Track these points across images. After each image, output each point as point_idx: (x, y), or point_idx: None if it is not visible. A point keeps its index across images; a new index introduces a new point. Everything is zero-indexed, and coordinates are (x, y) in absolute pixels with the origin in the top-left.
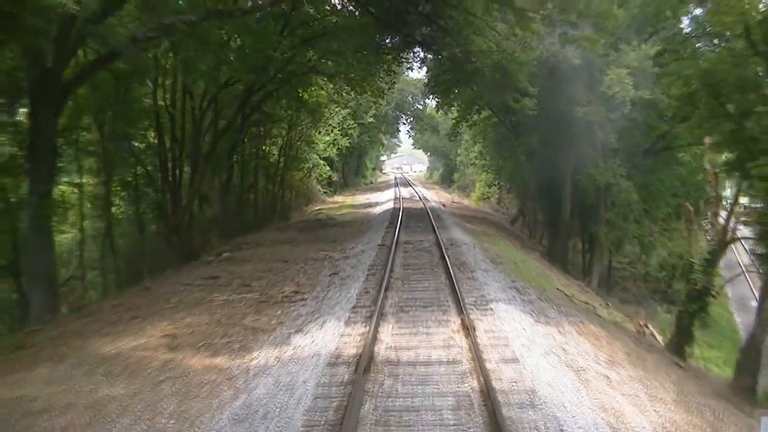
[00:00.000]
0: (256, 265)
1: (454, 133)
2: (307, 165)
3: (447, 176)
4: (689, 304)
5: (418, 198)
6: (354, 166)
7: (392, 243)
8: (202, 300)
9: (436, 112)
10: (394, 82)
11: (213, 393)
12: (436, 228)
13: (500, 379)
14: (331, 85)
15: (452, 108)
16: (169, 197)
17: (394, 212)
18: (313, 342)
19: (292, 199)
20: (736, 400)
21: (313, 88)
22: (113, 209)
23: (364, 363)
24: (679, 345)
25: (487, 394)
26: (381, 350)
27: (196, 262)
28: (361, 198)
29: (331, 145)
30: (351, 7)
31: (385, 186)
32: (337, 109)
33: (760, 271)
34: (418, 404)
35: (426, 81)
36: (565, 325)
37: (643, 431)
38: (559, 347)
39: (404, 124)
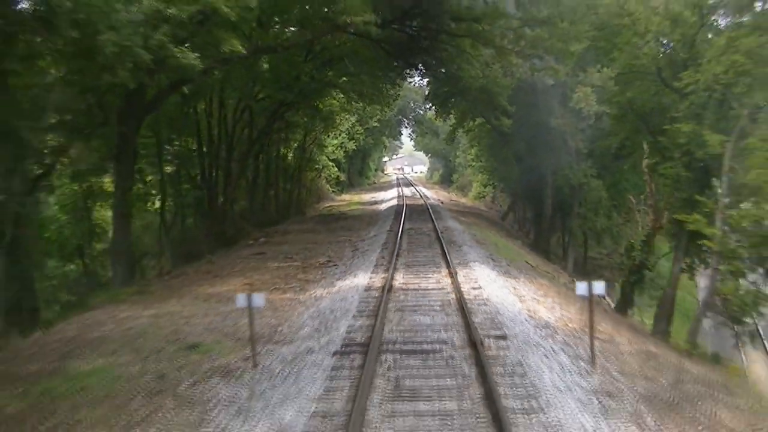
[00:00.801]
0: (291, 246)
1: (451, 138)
2: (317, 166)
3: (447, 177)
4: (630, 276)
5: (419, 196)
6: (358, 167)
7: (398, 230)
8: (259, 267)
9: (435, 119)
10: (398, 94)
11: (292, 308)
12: (434, 219)
13: (468, 294)
14: (342, 96)
15: (450, 115)
16: (207, 194)
17: (398, 208)
18: (351, 282)
19: (306, 197)
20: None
21: (326, 99)
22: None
23: (387, 287)
24: (623, 308)
25: (460, 299)
26: (396, 284)
27: (236, 246)
28: (367, 197)
29: (339, 148)
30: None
31: (388, 186)
32: (346, 116)
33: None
34: (420, 304)
35: (426, 93)
36: (520, 278)
37: (546, 318)
38: (511, 286)
39: (406, 127)
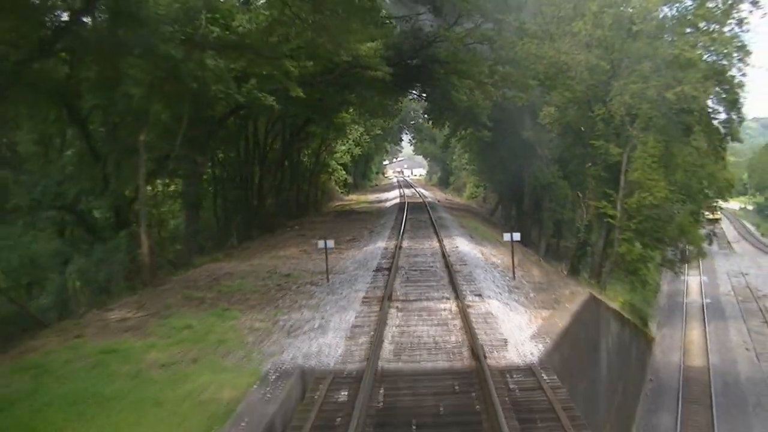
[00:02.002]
0: (320, 231)
1: (446, 145)
2: (329, 169)
3: (444, 179)
4: (577, 251)
5: (418, 196)
6: (362, 170)
7: (402, 219)
8: (303, 242)
9: (432, 128)
10: (400, 109)
11: (339, 260)
12: (430, 213)
13: (448, 250)
14: (352, 109)
15: (444, 126)
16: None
17: (400, 205)
18: (373, 247)
19: (320, 197)
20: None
21: (341, 114)
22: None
23: (398, 246)
24: (574, 273)
25: (443, 252)
26: (404, 246)
27: (275, 232)
28: (372, 197)
29: (347, 153)
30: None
31: (390, 187)
32: (356, 127)
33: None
34: (418, 253)
35: (423, 109)
36: (487, 246)
37: (494, 261)
38: (478, 248)
39: (406, 133)
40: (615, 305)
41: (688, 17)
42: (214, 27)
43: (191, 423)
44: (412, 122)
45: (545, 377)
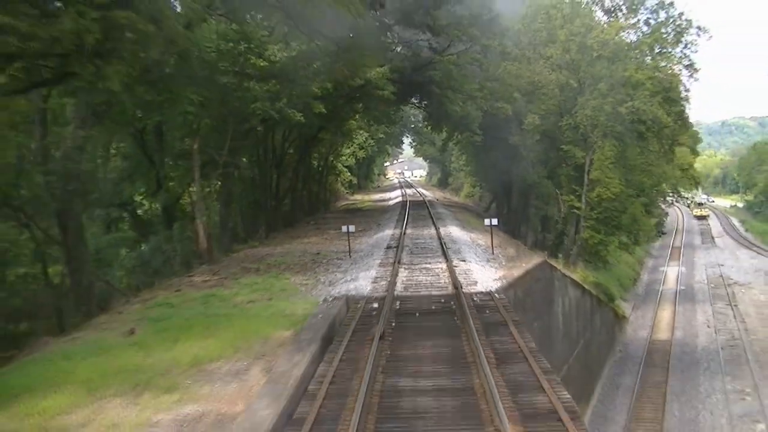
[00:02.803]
0: (334, 224)
1: (443, 149)
2: (336, 171)
3: (444, 180)
4: (555, 240)
5: (419, 195)
6: (365, 172)
7: (405, 214)
8: (323, 232)
9: (431, 132)
10: (401, 116)
11: (354, 243)
12: (429, 209)
13: (443, 234)
14: (358, 116)
15: (442, 131)
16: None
17: (402, 203)
18: (383, 234)
19: (328, 197)
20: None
21: (349, 121)
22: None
23: (403, 233)
24: (551, 257)
25: (438, 235)
26: (407, 233)
27: (294, 226)
28: (375, 196)
29: (351, 156)
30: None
31: (391, 188)
32: (361, 132)
33: None
34: (419, 237)
35: (422, 116)
36: (477, 233)
37: (479, 242)
38: (468, 234)
39: (407, 137)
40: (575, 276)
41: (646, 41)
42: (255, 59)
43: (283, 323)
44: (412, 126)
45: (497, 296)
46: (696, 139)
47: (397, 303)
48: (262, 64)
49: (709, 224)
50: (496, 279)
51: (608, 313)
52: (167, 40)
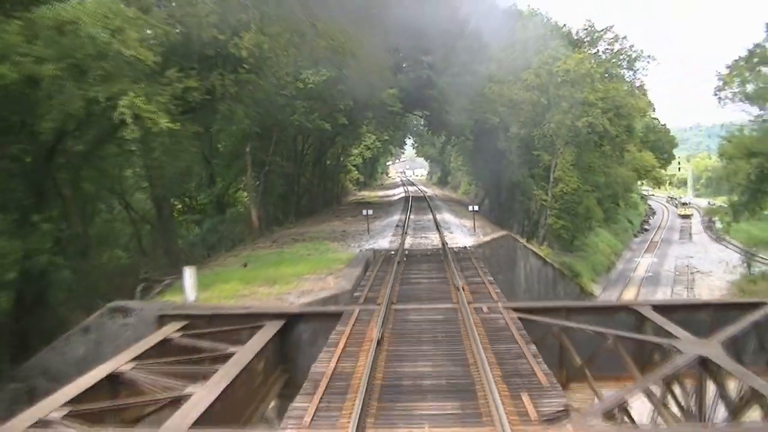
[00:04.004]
0: (350, 213)
1: (442, 151)
2: (346, 170)
3: (443, 178)
4: (531, 227)
5: (420, 192)
6: (369, 171)
7: (408, 206)
8: (343, 218)
9: (431, 136)
10: (404, 122)
11: (373, 225)
12: (429, 202)
13: (439, 220)
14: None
15: (441, 135)
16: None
17: (406, 198)
18: (391, 219)
19: (339, 192)
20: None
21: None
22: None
23: (407, 219)
24: (528, 241)
25: (435, 220)
26: (410, 219)
27: (314, 215)
28: (380, 193)
29: (359, 156)
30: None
31: (394, 186)
32: (369, 135)
33: None
34: (420, 221)
35: (424, 122)
36: (465, 219)
37: (466, 225)
38: (459, 220)
39: (409, 138)
40: (536, 250)
41: (598, 70)
42: (297, 83)
43: (337, 260)
44: (414, 128)
45: (470, 249)
46: (672, 144)
47: (406, 251)
48: (301, 86)
49: (690, 222)
50: (471, 243)
51: (572, 287)
52: (268, 88)
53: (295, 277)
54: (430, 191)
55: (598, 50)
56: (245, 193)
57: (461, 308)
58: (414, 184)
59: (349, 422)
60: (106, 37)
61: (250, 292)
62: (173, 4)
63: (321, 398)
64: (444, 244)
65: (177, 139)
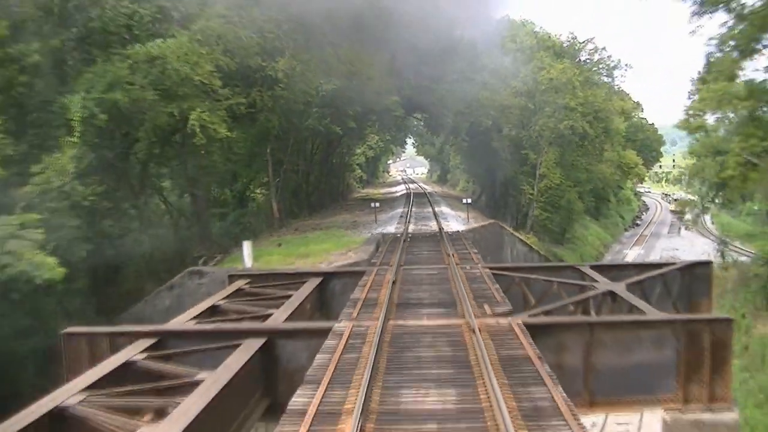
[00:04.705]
0: (357, 207)
1: (441, 150)
2: (350, 168)
3: (443, 176)
4: (521, 219)
5: (420, 189)
6: (371, 169)
7: (410, 201)
8: (352, 211)
9: (431, 136)
10: (405, 124)
11: (379, 217)
12: (429, 198)
13: (437, 211)
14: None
15: (439, 135)
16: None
17: (408, 195)
18: (395, 212)
19: (344, 189)
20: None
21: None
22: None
23: (409, 212)
24: (518, 230)
25: (434, 212)
26: (412, 211)
27: (324, 209)
28: (383, 190)
29: (362, 155)
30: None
31: (396, 183)
32: (373, 135)
33: None
34: (420, 212)
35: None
36: (460, 211)
37: (461, 216)
38: (455, 211)
39: (409, 137)
40: (523, 237)
41: (578, 78)
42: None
43: (354, 241)
44: (414, 128)
45: (462, 234)
46: (660, 141)
47: (410, 234)
48: (314, 94)
49: (682, 217)
50: (463, 229)
51: None
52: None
53: (323, 252)
54: (430, 188)
55: (579, 59)
56: (259, 190)
57: (450, 267)
58: (415, 182)
59: (379, 316)
60: (187, 69)
61: (290, 263)
62: (228, 38)
63: (360, 309)
64: (441, 229)
65: (228, 144)
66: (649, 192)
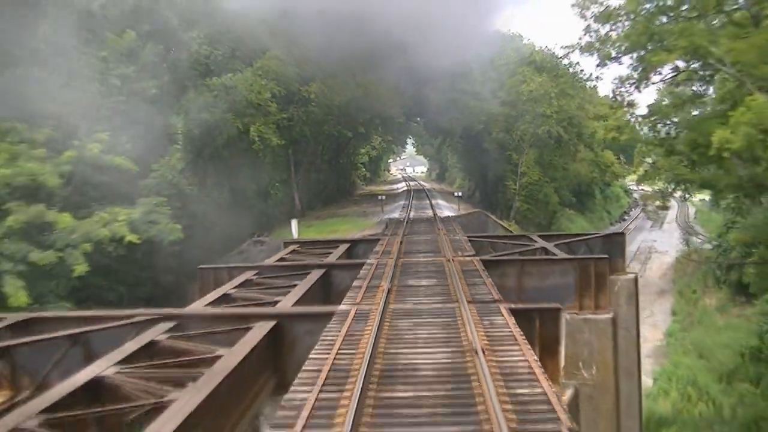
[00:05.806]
0: (365, 201)
1: (439, 150)
2: (356, 167)
3: (441, 174)
4: (507, 210)
5: (419, 185)
6: (374, 167)
7: (410, 196)
8: (360, 204)
9: (429, 137)
10: (407, 128)
11: (385, 208)
12: (427, 193)
13: (434, 204)
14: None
15: (437, 136)
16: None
17: (408, 191)
18: (397, 204)
19: (350, 186)
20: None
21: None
22: None
23: (410, 203)
24: (501, 220)
25: (431, 204)
26: (412, 203)
27: (335, 204)
28: (385, 187)
29: (366, 155)
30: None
31: (397, 181)
32: (377, 137)
33: None
34: (420, 204)
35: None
36: (453, 204)
37: (455, 207)
38: (449, 204)
39: (410, 137)
40: (505, 225)
41: (554, 89)
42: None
43: (366, 225)
44: (414, 129)
45: (451, 218)
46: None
47: (411, 219)
48: (335, 107)
49: (667, 213)
50: (453, 215)
51: None
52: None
53: (345, 231)
54: (428, 185)
55: (557, 73)
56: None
57: (440, 236)
58: (414, 180)
59: (393, 257)
60: (253, 96)
61: (325, 236)
62: (279, 72)
63: (381, 255)
64: (435, 215)
65: (277, 151)
66: (642, 189)
